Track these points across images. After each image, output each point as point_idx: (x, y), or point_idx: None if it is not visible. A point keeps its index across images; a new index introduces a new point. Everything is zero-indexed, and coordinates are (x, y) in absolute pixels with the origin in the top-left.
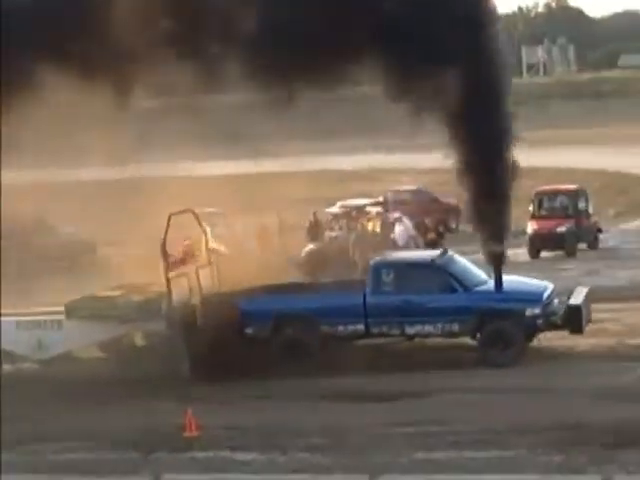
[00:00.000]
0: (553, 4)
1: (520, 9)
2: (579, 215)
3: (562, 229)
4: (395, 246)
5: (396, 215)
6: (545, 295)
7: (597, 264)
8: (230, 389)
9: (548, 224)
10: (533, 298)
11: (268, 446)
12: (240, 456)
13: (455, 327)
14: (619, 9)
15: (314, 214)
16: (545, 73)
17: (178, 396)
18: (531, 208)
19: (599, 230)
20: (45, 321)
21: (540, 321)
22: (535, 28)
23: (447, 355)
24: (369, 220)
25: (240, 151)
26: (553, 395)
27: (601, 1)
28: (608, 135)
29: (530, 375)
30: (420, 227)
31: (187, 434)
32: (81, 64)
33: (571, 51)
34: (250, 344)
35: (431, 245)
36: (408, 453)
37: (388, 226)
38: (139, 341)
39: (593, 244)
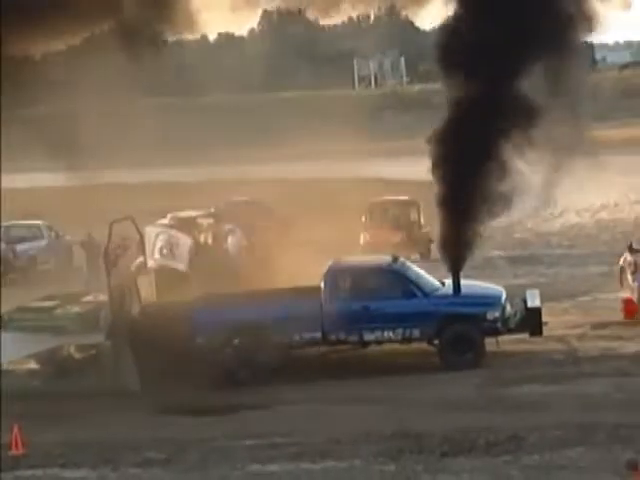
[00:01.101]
0: (384, 17)
1: (351, 21)
2: (411, 226)
3: (394, 240)
4: (228, 257)
5: (229, 226)
6: (503, 298)
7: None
8: (68, 404)
9: (380, 235)
10: (492, 302)
11: (100, 462)
12: (69, 473)
13: (416, 332)
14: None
15: None
16: (376, 85)
17: (6, 413)
18: (364, 219)
19: (431, 240)
20: None
21: (499, 324)
22: (366, 40)
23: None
24: (201, 232)
25: (74, 162)
26: (393, 405)
27: (431, 13)
28: None
29: (373, 385)
30: (250, 239)
31: (13, 452)
32: None
33: (402, 63)
34: (201, 354)
35: (261, 262)
36: (243, 466)
37: (221, 237)
38: (76, 354)
39: (425, 254)
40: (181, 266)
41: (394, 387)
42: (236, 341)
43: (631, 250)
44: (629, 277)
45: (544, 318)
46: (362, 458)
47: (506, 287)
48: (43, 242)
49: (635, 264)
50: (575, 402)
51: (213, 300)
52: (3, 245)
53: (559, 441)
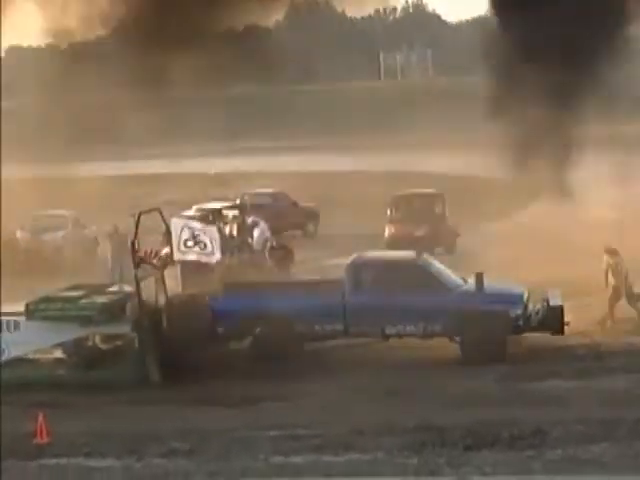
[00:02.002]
0: (411, 9)
1: (378, 13)
2: (436, 219)
3: (419, 233)
4: (252, 250)
5: (253, 219)
6: (525, 296)
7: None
8: (93, 394)
9: (405, 228)
10: (515, 299)
11: (124, 451)
12: (94, 462)
13: (437, 328)
14: (475, 15)
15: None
16: (402, 78)
17: (31, 402)
18: (389, 212)
19: (456, 234)
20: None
21: (521, 322)
22: (393, 33)
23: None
24: (226, 224)
25: (106, 153)
26: (413, 397)
27: (457, 7)
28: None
29: (392, 377)
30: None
31: (38, 441)
32: None
33: (429, 56)
34: (222, 345)
35: (280, 261)
36: (266, 457)
37: (246, 230)
38: (102, 344)
39: (450, 248)
40: (213, 258)
41: (412, 379)
42: (257, 331)
43: (610, 252)
44: (611, 278)
45: (566, 315)
46: (385, 451)
47: (525, 283)
48: (68, 232)
49: (616, 265)
50: (597, 397)
51: (235, 290)
52: (29, 235)
53: (582, 436)
